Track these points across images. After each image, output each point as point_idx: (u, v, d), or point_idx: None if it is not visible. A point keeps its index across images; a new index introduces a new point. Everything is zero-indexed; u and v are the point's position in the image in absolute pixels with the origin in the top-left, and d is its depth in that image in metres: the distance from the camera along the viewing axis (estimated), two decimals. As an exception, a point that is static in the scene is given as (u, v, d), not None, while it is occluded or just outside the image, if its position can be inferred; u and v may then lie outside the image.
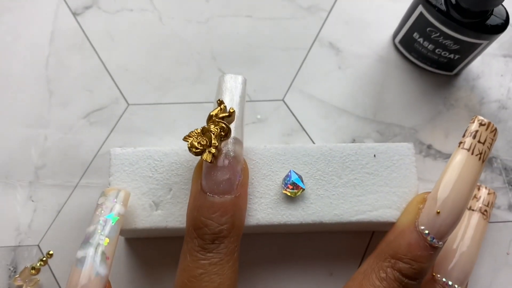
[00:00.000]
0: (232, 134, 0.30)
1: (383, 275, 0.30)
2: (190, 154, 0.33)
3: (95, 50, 0.42)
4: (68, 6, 0.43)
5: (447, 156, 0.40)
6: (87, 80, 0.41)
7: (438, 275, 0.32)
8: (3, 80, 0.40)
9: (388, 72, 0.42)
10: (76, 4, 0.43)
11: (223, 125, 0.29)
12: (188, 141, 0.29)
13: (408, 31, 0.40)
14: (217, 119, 0.29)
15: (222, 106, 0.30)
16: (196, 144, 0.29)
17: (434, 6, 0.36)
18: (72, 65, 0.41)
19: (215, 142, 0.28)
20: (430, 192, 0.31)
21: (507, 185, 0.39)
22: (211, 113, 0.29)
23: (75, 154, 0.39)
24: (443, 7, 0.36)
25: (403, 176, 0.34)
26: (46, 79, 0.40)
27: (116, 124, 0.40)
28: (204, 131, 0.29)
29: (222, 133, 0.29)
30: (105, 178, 0.38)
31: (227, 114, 0.29)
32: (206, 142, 0.29)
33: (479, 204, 0.35)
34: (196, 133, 0.29)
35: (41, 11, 0.42)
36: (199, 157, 0.30)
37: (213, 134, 0.29)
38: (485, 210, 0.35)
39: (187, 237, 0.30)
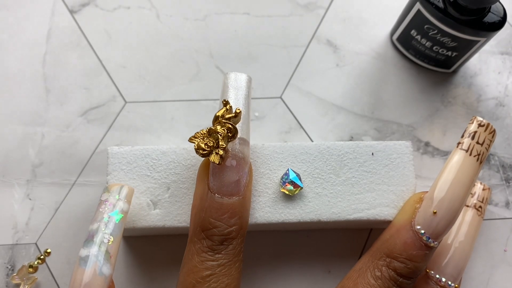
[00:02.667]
0: (239, 134, 0.30)
1: (378, 273, 0.30)
2: (188, 153, 0.33)
3: (92, 47, 0.41)
4: (65, 4, 0.42)
5: (445, 154, 0.40)
6: (84, 78, 0.40)
7: (432, 272, 0.32)
8: (0, 78, 0.40)
9: (385, 69, 0.42)
10: (73, 1, 0.42)
11: (230, 126, 0.29)
12: (194, 143, 0.29)
13: (405, 29, 0.40)
14: (223, 120, 0.29)
15: (228, 106, 0.29)
16: (203, 145, 0.28)
17: (432, 4, 0.36)
18: (69, 63, 0.41)
19: (223, 143, 0.28)
20: (427, 192, 0.31)
21: (504, 182, 0.40)
22: (217, 114, 0.29)
23: (72, 152, 0.39)
24: (441, 5, 0.36)
25: (401, 174, 0.34)
26: (43, 77, 0.40)
27: (113, 122, 0.39)
28: (211, 132, 0.29)
29: (229, 134, 0.29)
30: (103, 176, 0.38)
31: (233, 114, 0.29)
32: (213, 143, 0.28)
33: (473, 200, 0.35)
34: (202, 134, 0.29)
35: (38, 8, 0.42)
36: (201, 157, 0.29)
37: (220, 135, 0.28)
38: (480, 206, 0.35)
39: (193, 238, 0.29)
